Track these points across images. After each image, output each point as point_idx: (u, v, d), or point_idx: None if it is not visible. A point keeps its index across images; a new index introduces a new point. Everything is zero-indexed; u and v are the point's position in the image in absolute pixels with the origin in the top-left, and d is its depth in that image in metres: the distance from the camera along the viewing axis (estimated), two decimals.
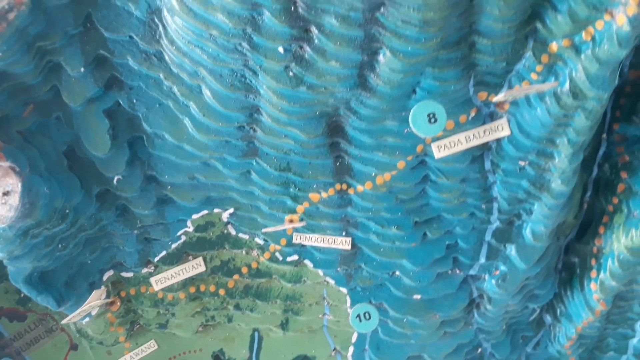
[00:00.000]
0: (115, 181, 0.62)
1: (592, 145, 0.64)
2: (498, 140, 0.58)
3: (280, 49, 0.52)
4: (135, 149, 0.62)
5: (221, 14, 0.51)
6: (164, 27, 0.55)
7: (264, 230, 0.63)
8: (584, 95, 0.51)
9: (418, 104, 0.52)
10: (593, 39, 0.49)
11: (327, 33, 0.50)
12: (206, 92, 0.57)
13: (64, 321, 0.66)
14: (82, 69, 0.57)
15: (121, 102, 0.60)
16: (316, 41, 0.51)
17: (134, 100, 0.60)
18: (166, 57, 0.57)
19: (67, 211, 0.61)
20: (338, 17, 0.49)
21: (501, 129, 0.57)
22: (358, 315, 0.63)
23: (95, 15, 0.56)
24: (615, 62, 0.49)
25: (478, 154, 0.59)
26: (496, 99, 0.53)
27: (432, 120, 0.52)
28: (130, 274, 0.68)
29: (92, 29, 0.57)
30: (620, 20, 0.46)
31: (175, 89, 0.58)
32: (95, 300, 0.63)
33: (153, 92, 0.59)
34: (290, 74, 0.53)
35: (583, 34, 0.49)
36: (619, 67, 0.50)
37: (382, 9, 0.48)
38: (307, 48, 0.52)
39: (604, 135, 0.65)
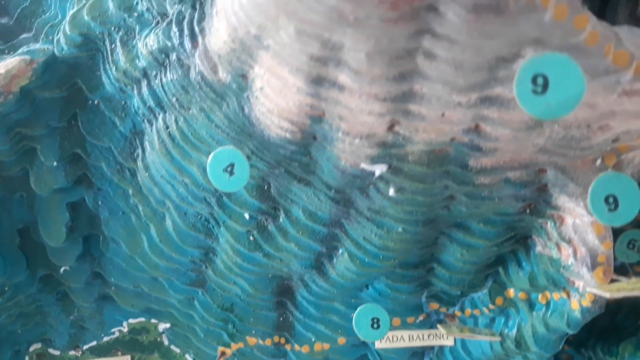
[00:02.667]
0: (61, 270, 0.64)
1: None
2: (441, 346, 0.59)
3: (246, 215, 0.53)
4: (89, 243, 0.63)
5: (197, 168, 0.52)
6: (143, 151, 0.56)
7: None
8: (527, 347, 0.52)
9: (364, 306, 0.53)
10: (547, 304, 0.50)
11: (292, 219, 0.51)
12: (168, 222, 0.58)
13: None
14: (55, 163, 0.58)
15: (86, 200, 0.61)
16: (281, 221, 0.52)
17: (99, 202, 0.61)
18: (138, 177, 0.58)
19: (6, 288, 0.62)
20: (305, 212, 0.50)
21: (446, 338, 0.58)
22: None
23: (81, 117, 0.57)
24: (563, 332, 0.50)
25: (419, 350, 0.60)
26: (439, 326, 0.54)
27: (375, 325, 0.53)
28: (57, 352, 0.70)
29: (75, 126, 0.58)
30: (574, 305, 0.47)
31: (140, 207, 0.59)
32: None
33: (119, 201, 0.60)
34: (251, 237, 0.54)
35: (540, 296, 0.50)
36: (566, 336, 0.51)
37: (348, 220, 0.49)
38: (272, 223, 0.53)
39: None
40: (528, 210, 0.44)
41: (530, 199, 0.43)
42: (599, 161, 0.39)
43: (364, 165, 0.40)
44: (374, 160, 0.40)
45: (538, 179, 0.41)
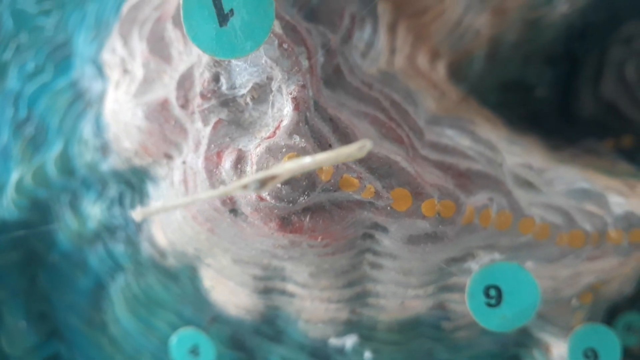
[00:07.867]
0: None
1: None
2: None
3: None
4: None
5: (166, 325, 0.52)
6: (111, 302, 0.56)
7: None
8: None
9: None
10: None
11: None
12: None
13: None
14: (24, 322, 0.58)
15: (62, 353, 0.60)
16: None
17: (75, 354, 0.60)
18: (110, 328, 0.57)
19: None
20: None
21: None
22: None
23: (42, 275, 0.57)
24: None
25: None
26: None
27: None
28: None
29: (37, 284, 0.57)
30: None
31: (117, 357, 0.58)
32: None
33: (94, 352, 0.59)
34: None
35: None
36: None
37: None
38: None
39: None
40: (512, 343, 0.44)
41: (511, 339, 0.42)
42: (574, 300, 0.39)
43: (333, 340, 0.39)
44: (342, 333, 0.39)
45: None
